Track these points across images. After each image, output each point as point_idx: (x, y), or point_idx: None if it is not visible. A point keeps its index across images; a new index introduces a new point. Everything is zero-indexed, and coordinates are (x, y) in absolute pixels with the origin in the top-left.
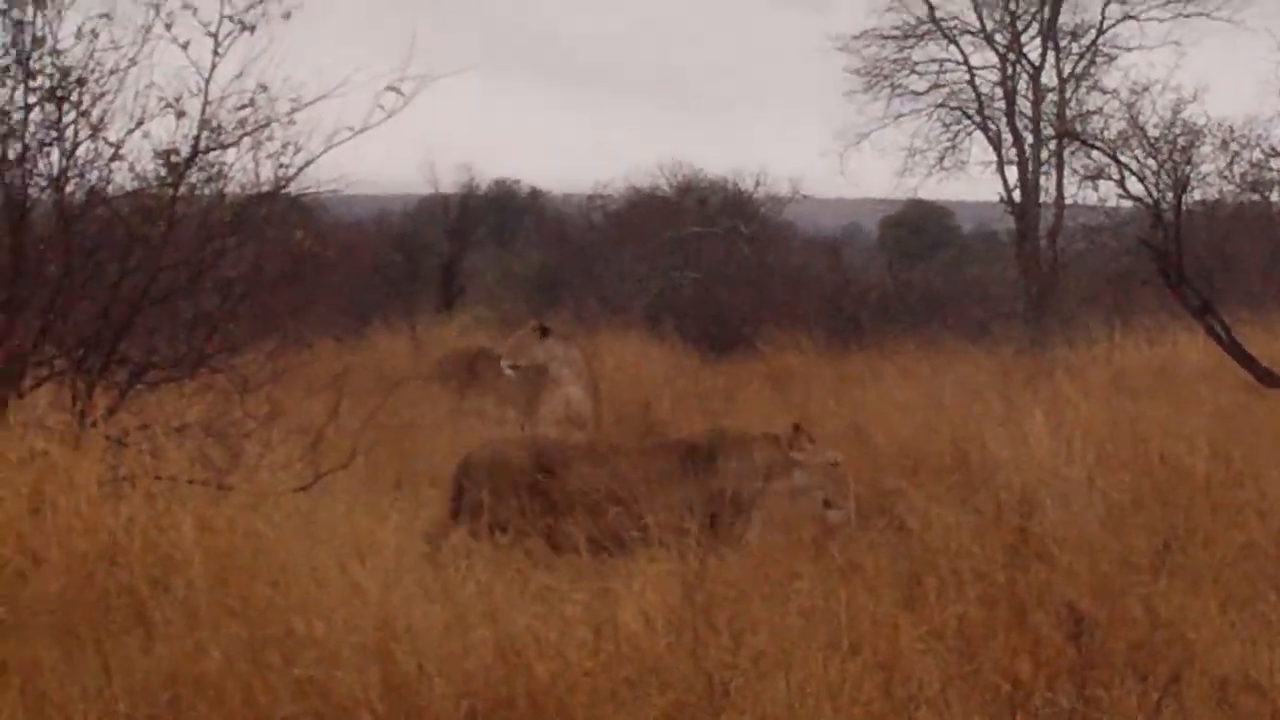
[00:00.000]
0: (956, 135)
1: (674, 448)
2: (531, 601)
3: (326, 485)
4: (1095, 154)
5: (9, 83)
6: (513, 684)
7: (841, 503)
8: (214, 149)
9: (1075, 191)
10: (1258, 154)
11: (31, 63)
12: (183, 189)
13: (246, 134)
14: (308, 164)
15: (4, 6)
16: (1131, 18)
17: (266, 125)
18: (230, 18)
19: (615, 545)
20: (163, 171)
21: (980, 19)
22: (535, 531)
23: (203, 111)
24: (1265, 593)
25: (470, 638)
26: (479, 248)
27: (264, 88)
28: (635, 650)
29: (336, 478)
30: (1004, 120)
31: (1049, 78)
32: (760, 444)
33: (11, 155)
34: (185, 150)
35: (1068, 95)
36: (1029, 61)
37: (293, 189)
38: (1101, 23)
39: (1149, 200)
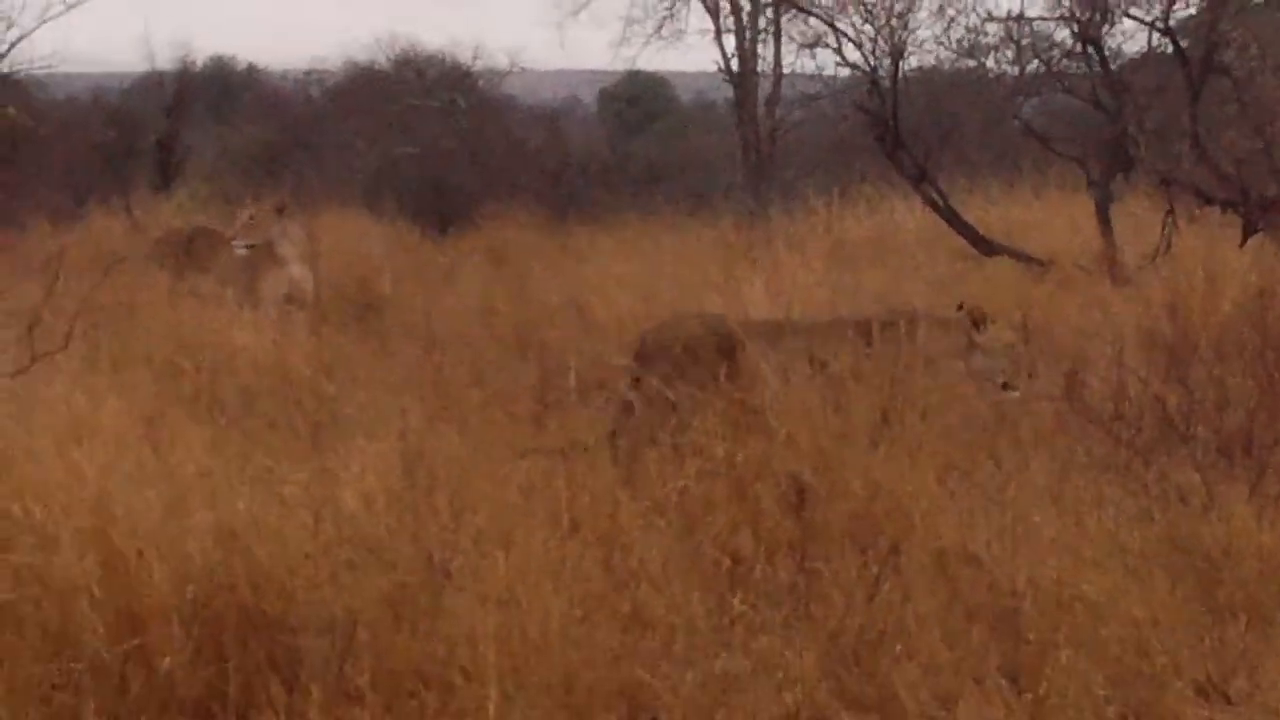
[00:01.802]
0: (674, 4)
1: (861, 324)
2: (251, 484)
3: (43, 369)
4: (813, 21)
5: None
6: (232, 567)
7: (1017, 384)
8: None
9: (793, 60)
10: (974, 19)
11: None
12: None
13: None
14: (20, 40)
15: None
16: None
17: None
18: None
19: None
20: None
21: None
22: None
23: None
24: (982, 463)
25: (189, 521)
26: (197, 125)
27: None
28: (355, 531)
29: (53, 361)
30: None
31: None
32: (949, 324)
33: None
34: None
35: None
36: None
37: (5, 66)
38: None
39: (866, 67)
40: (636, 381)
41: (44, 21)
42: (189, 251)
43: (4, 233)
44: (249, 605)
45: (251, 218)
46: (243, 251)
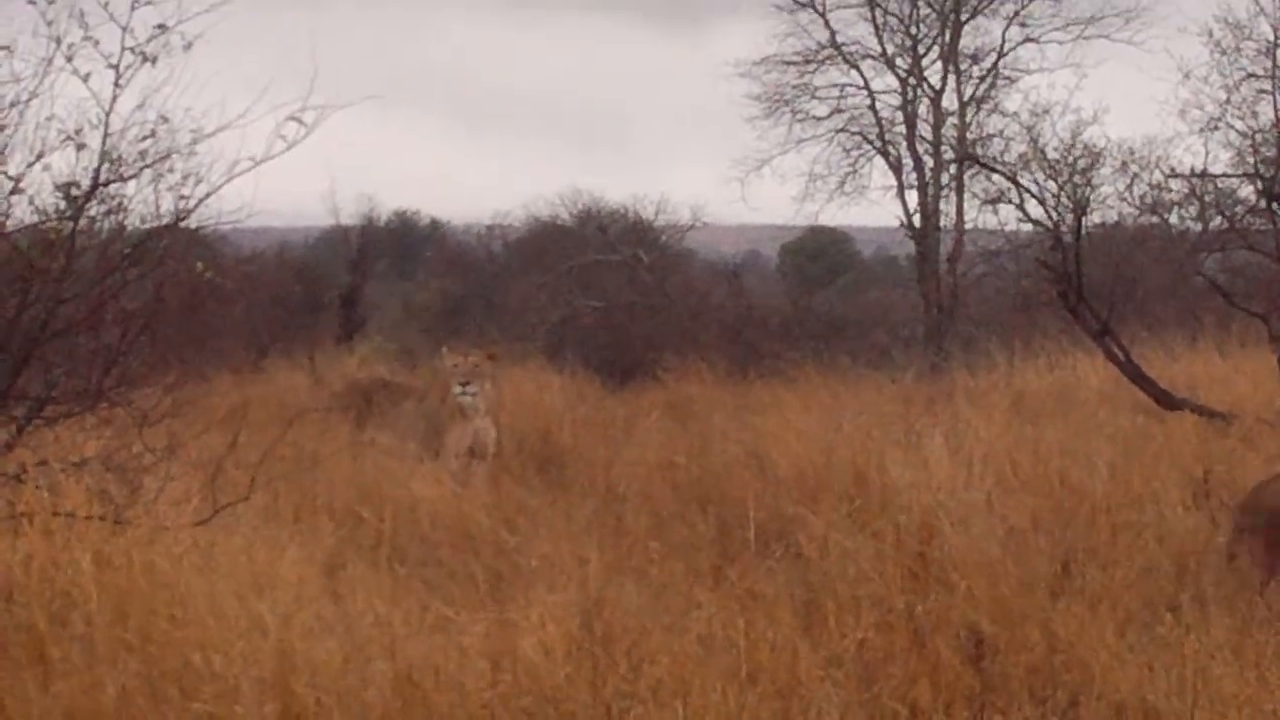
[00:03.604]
0: (857, 160)
1: None
2: (430, 632)
3: (225, 519)
4: (995, 177)
5: None
6: (411, 716)
7: None
8: (114, 181)
9: (975, 215)
10: (1157, 175)
11: None
12: (83, 222)
13: (147, 166)
14: (208, 195)
15: None
16: (1032, 40)
17: (167, 157)
18: (132, 49)
19: None
20: (62, 204)
21: (881, 43)
22: None
23: (103, 144)
24: (1162, 615)
25: (369, 670)
26: (380, 279)
27: (165, 119)
28: (534, 681)
29: (235, 511)
30: (904, 144)
31: (950, 101)
32: None
33: None
34: (85, 183)
35: (968, 119)
36: (930, 85)
37: (193, 221)
38: (1002, 46)
39: (1049, 223)
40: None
41: (232, 177)
42: (369, 403)
43: (190, 385)
44: None
45: (476, 365)
46: (467, 398)
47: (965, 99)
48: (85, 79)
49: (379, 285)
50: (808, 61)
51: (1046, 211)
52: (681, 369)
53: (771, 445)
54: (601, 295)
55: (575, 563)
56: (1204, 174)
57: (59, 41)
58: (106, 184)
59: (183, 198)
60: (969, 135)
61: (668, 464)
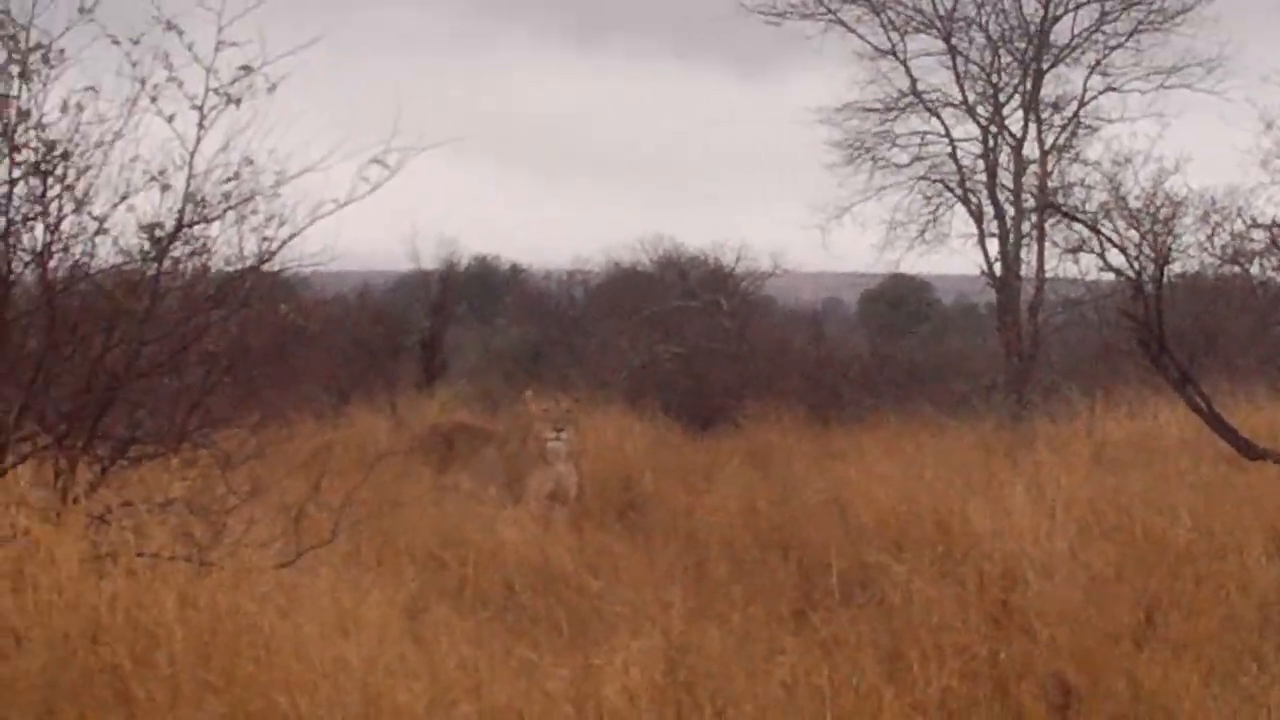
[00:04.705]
0: (938, 208)
1: None
2: (514, 676)
3: (308, 561)
4: (1076, 226)
5: None
6: None
7: None
8: (198, 222)
9: (1056, 264)
10: (1239, 225)
11: (16, 136)
12: (166, 263)
13: (231, 207)
14: (292, 237)
15: None
16: (1114, 89)
17: (251, 198)
18: (216, 90)
19: None
20: (146, 245)
21: (962, 91)
22: None
23: (187, 185)
24: (1247, 665)
25: (454, 713)
26: (460, 323)
27: (249, 160)
28: None
29: (318, 554)
30: (985, 192)
31: (1031, 149)
32: None
33: None
34: (169, 224)
35: (1049, 167)
36: (1011, 134)
37: (276, 263)
38: (1084, 94)
39: (1130, 272)
40: None
41: (315, 219)
42: (450, 447)
43: (272, 428)
44: None
45: (567, 411)
46: (558, 444)
47: (1046, 147)
48: (170, 120)
49: (459, 330)
50: (888, 109)
51: (1128, 260)
52: (762, 416)
53: (853, 492)
54: (682, 341)
55: (658, 608)
56: None
57: (144, 82)
58: (190, 225)
59: (266, 239)
60: (1050, 184)
61: (749, 510)
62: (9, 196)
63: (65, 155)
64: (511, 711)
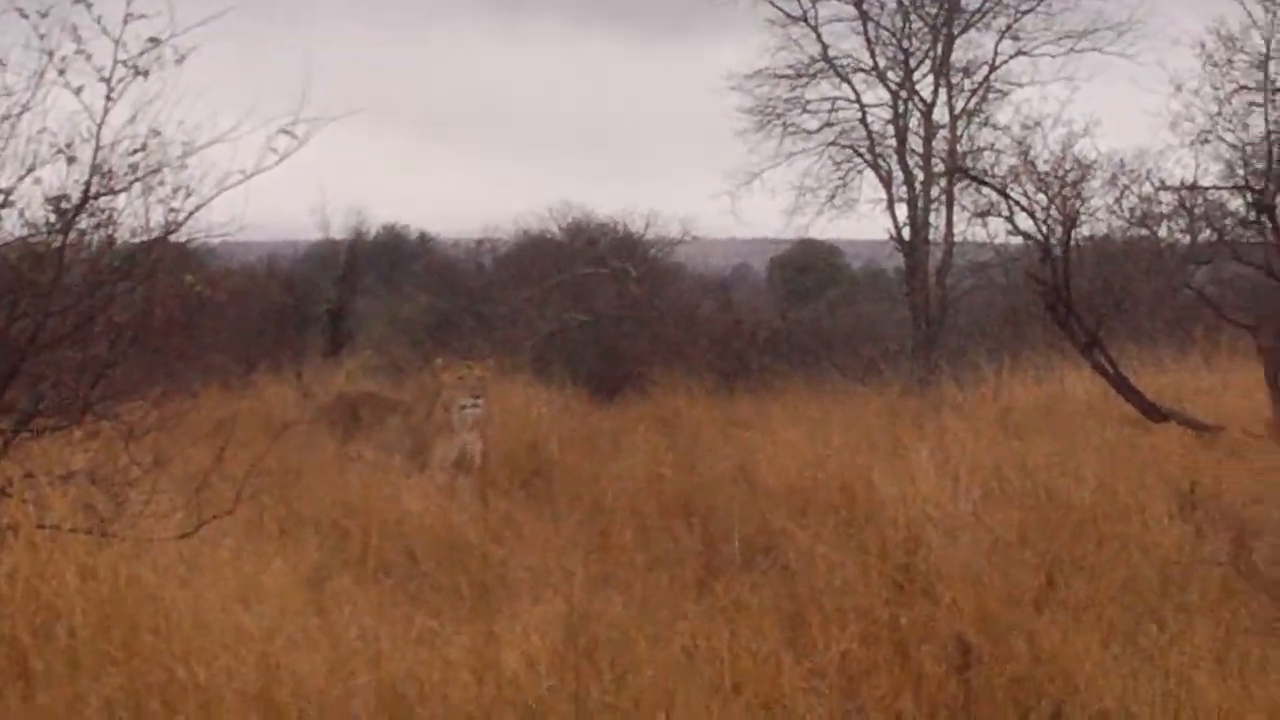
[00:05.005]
0: (847, 173)
1: None
2: (415, 645)
3: (210, 532)
4: (985, 190)
5: None
6: None
7: None
8: (105, 194)
9: (965, 228)
10: (1147, 188)
11: None
12: (72, 235)
13: (138, 179)
14: (198, 208)
15: None
16: (1024, 54)
17: (158, 170)
18: (124, 62)
19: None
20: (52, 218)
21: (873, 57)
22: None
23: (94, 157)
24: (1147, 626)
25: (353, 682)
26: (368, 293)
27: (156, 132)
28: (517, 692)
29: (221, 524)
30: (895, 158)
31: (941, 114)
32: None
33: None
34: (76, 196)
35: (959, 132)
36: (921, 98)
37: (183, 234)
38: (994, 59)
39: (1039, 236)
40: None
41: (221, 190)
42: (357, 416)
43: (176, 399)
44: None
45: (481, 378)
46: (474, 410)
47: (956, 112)
48: (77, 92)
49: (367, 299)
50: (799, 75)
51: (1036, 224)
52: (670, 383)
53: (759, 459)
54: (590, 309)
55: (561, 575)
56: (1194, 186)
57: (51, 55)
58: (97, 197)
59: (173, 211)
60: (960, 148)
61: (655, 478)
62: None
63: None
64: (411, 680)
